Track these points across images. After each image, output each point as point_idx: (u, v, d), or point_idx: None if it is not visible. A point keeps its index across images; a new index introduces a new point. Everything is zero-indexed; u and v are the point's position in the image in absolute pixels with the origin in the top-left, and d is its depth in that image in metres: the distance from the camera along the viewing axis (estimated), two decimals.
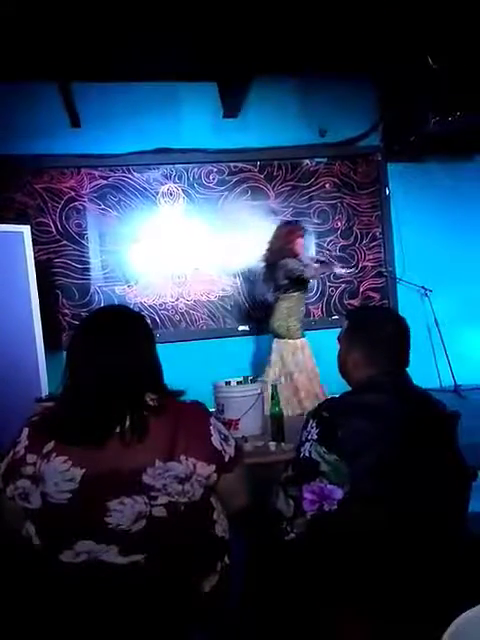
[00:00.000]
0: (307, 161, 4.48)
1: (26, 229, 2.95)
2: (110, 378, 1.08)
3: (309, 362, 3.52)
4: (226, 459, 1.13)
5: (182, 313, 4.32)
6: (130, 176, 4.23)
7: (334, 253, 4.56)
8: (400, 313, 4.44)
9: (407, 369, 1.27)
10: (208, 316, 4.36)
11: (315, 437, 1.11)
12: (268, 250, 3.72)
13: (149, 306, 4.23)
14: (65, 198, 4.13)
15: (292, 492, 1.13)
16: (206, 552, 1.12)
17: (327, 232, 4.55)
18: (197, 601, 1.09)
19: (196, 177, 4.32)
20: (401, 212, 4.59)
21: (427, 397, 1.25)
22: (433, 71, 3.54)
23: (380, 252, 4.65)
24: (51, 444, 1.05)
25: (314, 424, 1.14)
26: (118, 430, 1.05)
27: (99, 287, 4.19)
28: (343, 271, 4.08)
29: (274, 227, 3.91)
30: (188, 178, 4.30)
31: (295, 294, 3.56)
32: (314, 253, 4.51)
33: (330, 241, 4.56)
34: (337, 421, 1.11)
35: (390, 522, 1.09)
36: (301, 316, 3.61)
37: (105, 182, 4.19)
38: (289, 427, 1.96)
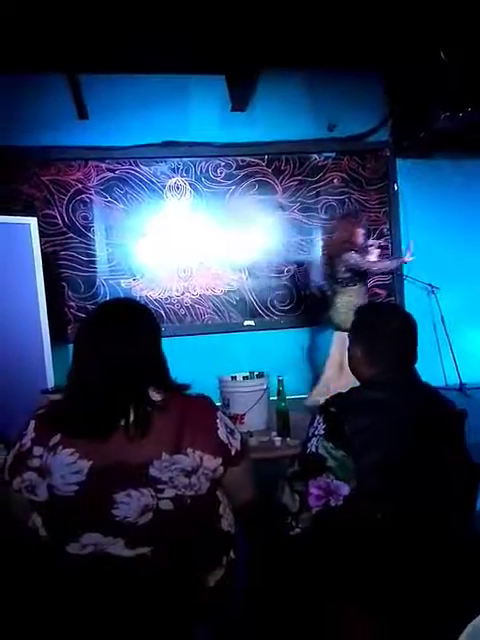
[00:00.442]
0: (315, 156, 4.45)
1: (33, 221, 2.95)
2: (115, 371, 1.07)
3: (345, 357, 3.49)
4: (232, 452, 1.13)
5: (187, 307, 4.31)
6: (137, 169, 4.21)
7: None
8: (406, 309, 4.41)
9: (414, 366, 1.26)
10: (213, 310, 4.35)
11: (322, 433, 1.11)
12: (329, 243, 3.71)
13: (154, 300, 4.22)
14: (72, 190, 4.13)
15: (298, 487, 1.12)
16: (212, 546, 1.12)
17: (334, 228, 4.50)
18: (202, 595, 1.09)
19: (203, 171, 4.29)
20: (409, 209, 4.55)
21: (435, 394, 1.24)
22: (444, 66, 3.49)
23: (387, 249, 4.62)
24: (57, 437, 1.05)
25: (321, 420, 1.13)
26: (123, 423, 1.05)
27: (105, 280, 4.19)
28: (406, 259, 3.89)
29: (278, 221, 3.89)
30: (195, 172, 4.28)
31: (356, 287, 3.53)
32: (320, 249, 4.49)
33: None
34: (344, 417, 1.11)
35: (396, 519, 1.08)
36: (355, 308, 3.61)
37: (112, 175, 4.18)
38: (295, 422, 1.95)
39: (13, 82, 3.80)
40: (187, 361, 3.78)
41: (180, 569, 1.06)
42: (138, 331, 1.13)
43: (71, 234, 4.14)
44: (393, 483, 1.09)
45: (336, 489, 1.08)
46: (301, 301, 4.48)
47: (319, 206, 4.48)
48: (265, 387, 2.09)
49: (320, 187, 4.47)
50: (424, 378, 4.14)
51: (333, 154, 4.47)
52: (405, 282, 4.59)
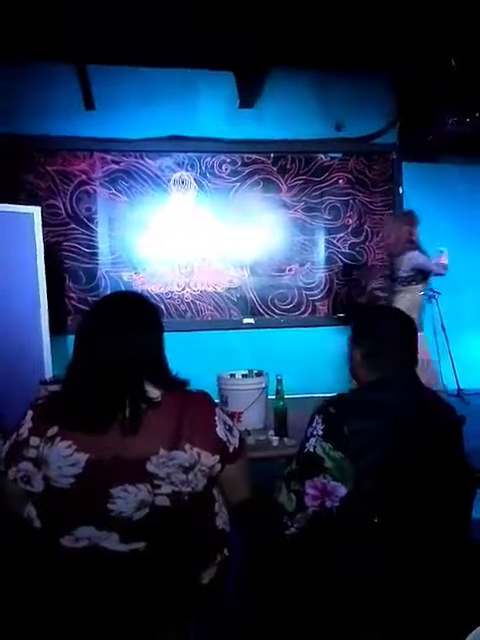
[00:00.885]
0: (321, 156, 4.43)
1: (36, 211, 2.93)
2: (113, 365, 1.07)
3: (425, 355, 3.49)
4: (230, 450, 1.13)
5: (188, 303, 4.30)
6: (142, 162, 4.19)
7: (343, 250, 4.52)
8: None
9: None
10: (214, 307, 4.34)
11: (321, 433, 1.11)
12: (390, 242, 3.64)
13: (155, 294, 4.21)
14: (76, 181, 4.11)
15: (295, 487, 1.12)
16: (206, 544, 1.12)
17: (337, 228, 4.51)
18: (195, 593, 1.08)
19: (209, 166, 4.28)
20: (415, 211, 4.53)
21: (436, 399, 1.24)
22: (453, 71, 3.48)
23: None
24: (55, 428, 1.04)
25: (320, 420, 1.13)
26: (120, 418, 1.04)
27: (106, 272, 4.18)
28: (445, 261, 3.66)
29: (282, 220, 3.86)
30: (200, 167, 4.26)
31: (418, 286, 3.50)
32: (323, 249, 4.49)
33: (340, 238, 4.52)
34: (344, 418, 1.11)
35: (391, 523, 1.08)
36: (422, 309, 3.57)
37: (117, 167, 4.16)
38: (293, 422, 1.95)
39: (20, 71, 3.77)
40: (187, 357, 3.76)
41: (174, 566, 1.06)
42: (138, 326, 1.13)
43: (74, 225, 4.12)
44: (390, 487, 1.09)
45: (333, 490, 1.07)
46: (303, 300, 4.48)
47: (323, 206, 4.47)
48: (264, 386, 2.08)
49: (325, 187, 4.46)
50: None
51: (339, 155, 4.45)
52: None
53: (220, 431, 1.12)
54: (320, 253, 4.51)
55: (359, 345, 1.23)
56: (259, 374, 2.13)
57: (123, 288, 4.04)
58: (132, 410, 1.05)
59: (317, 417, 1.15)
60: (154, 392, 1.08)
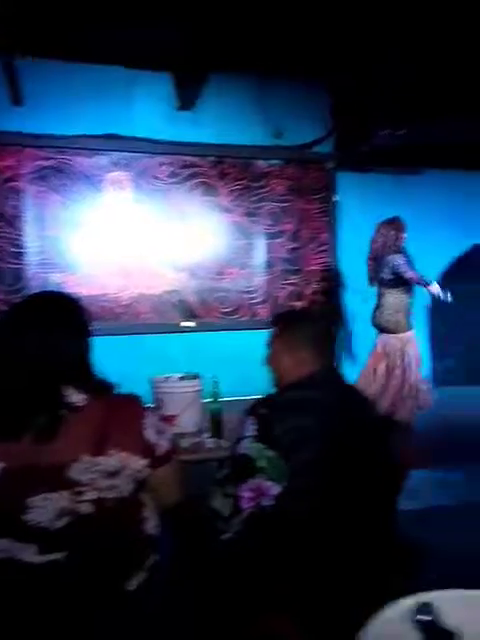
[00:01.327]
0: (260, 162, 4.50)
1: None
2: (28, 369, 1.03)
3: (416, 354, 3.54)
4: (160, 453, 1.11)
5: (124, 305, 4.18)
6: (75, 160, 4.03)
7: (282, 255, 4.61)
8: (343, 319, 4.51)
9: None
10: (152, 310, 4.25)
11: (253, 434, 1.12)
12: (376, 246, 3.67)
13: (89, 296, 4.05)
14: (2, 177, 3.87)
15: (229, 491, 1.12)
16: (133, 550, 1.09)
17: (276, 234, 4.59)
18: (120, 600, 1.04)
19: (146, 167, 4.20)
20: (348, 220, 4.73)
21: (359, 393, 1.29)
22: (384, 85, 3.67)
23: (327, 257, 4.76)
24: None
25: (252, 421, 1.14)
26: (36, 424, 1.01)
27: (35, 273, 3.96)
28: (435, 291, 3.55)
29: (222, 224, 3.87)
30: (137, 168, 4.17)
31: (401, 289, 3.55)
32: (263, 254, 4.55)
33: (279, 243, 4.61)
34: (274, 417, 1.12)
35: (325, 517, 1.09)
36: (409, 309, 3.60)
37: (48, 163, 3.97)
38: (229, 424, 1.94)
39: None
40: (122, 361, 3.69)
41: (96, 574, 1.02)
42: (57, 328, 1.09)
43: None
44: (323, 481, 1.10)
45: (267, 490, 1.08)
46: (242, 304, 4.51)
47: (263, 211, 4.53)
48: (199, 388, 2.07)
49: (264, 193, 4.53)
50: (357, 380, 4.23)
51: (278, 161, 4.55)
52: (342, 291, 4.75)
53: (149, 434, 1.10)
54: (259, 257, 4.57)
55: (284, 346, 1.26)
56: (194, 377, 2.11)
57: (53, 290, 3.85)
58: (48, 416, 1.01)
59: (248, 419, 1.15)
60: (76, 397, 1.05)
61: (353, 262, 4.73)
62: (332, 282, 4.72)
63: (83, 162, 4.05)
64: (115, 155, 4.11)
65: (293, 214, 4.62)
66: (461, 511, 2.22)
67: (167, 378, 2.10)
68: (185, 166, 4.30)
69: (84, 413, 1.03)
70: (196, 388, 2.05)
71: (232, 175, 4.43)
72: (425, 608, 0.54)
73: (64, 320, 1.11)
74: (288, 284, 4.64)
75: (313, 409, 1.14)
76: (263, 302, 4.58)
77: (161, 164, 4.23)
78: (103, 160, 4.09)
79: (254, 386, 3.69)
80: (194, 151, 4.28)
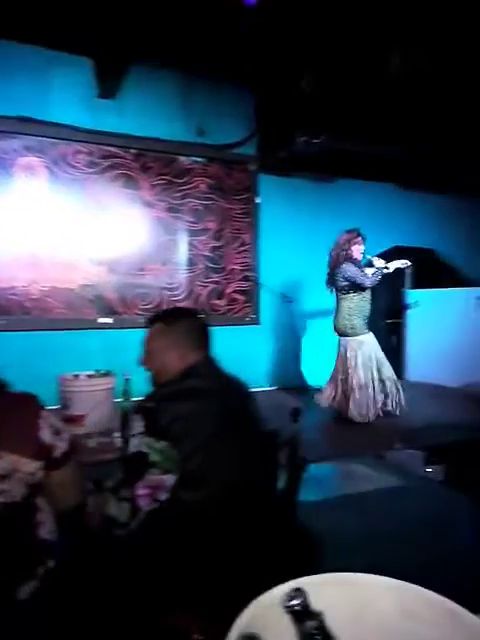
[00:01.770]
0: (183, 158, 4.47)
1: None
2: None
3: (374, 356, 3.71)
4: (57, 454, 1.08)
5: (35, 300, 3.93)
6: None
7: (205, 253, 4.62)
8: (262, 317, 4.64)
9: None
10: (66, 305, 4.05)
11: (142, 430, 1.12)
12: (333, 254, 3.87)
13: None
14: None
15: (124, 494, 1.10)
16: (25, 556, 1.04)
17: (199, 232, 4.59)
18: (10, 609, 0.99)
19: (62, 154, 3.99)
20: (269, 222, 4.86)
21: (236, 379, 1.35)
22: (304, 94, 3.81)
23: (248, 257, 4.85)
24: None
25: (139, 418, 1.15)
26: None
27: None
28: (401, 264, 3.88)
29: (143, 218, 3.79)
30: (52, 154, 3.95)
31: (356, 295, 3.75)
32: (185, 251, 4.53)
33: (201, 241, 4.61)
34: (160, 408, 1.15)
35: (217, 500, 1.12)
36: (365, 313, 3.79)
37: None
38: None
39: None
40: (32, 359, 3.49)
41: None
42: None
43: None
44: (214, 464, 1.14)
45: (162, 482, 1.09)
46: (164, 301, 4.45)
47: (185, 208, 4.51)
48: (110, 386, 2.01)
49: (187, 190, 4.51)
50: (273, 379, 4.42)
51: (201, 159, 4.55)
52: (262, 290, 4.87)
53: (45, 434, 1.06)
54: (182, 254, 4.54)
55: (165, 342, 1.30)
56: (105, 375, 2.05)
57: None
58: None
59: (135, 417, 1.16)
60: None
61: (274, 263, 4.88)
62: (252, 282, 4.81)
63: None
64: (29, 139, 3.85)
65: (216, 213, 4.65)
66: (356, 501, 2.38)
67: (76, 376, 2.02)
68: (105, 156, 4.15)
69: None
70: (107, 386, 2.00)
71: (155, 169, 4.36)
72: (295, 593, 0.57)
73: None
74: (210, 282, 4.67)
75: (196, 396, 1.19)
76: (185, 299, 4.56)
77: (78, 152, 4.04)
78: (14, 143, 3.82)
79: None
80: (115, 141, 4.15)
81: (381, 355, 3.76)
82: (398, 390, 3.70)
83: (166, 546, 1.10)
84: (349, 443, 3.27)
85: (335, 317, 3.87)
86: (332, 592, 0.60)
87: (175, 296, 4.52)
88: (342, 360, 3.77)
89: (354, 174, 5.04)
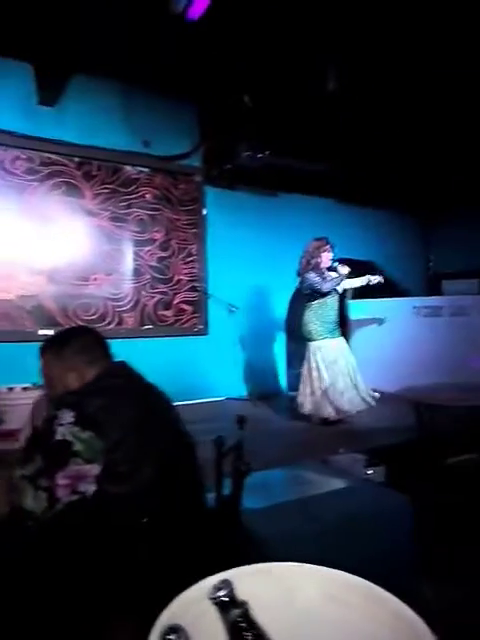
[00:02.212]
0: (129, 168, 4.44)
1: None
2: None
3: (340, 358, 3.85)
4: None
5: None
6: None
7: (151, 263, 4.59)
8: (210, 326, 4.65)
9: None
10: (2, 316, 3.87)
11: (71, 420, 1.12)
12: (301, 263, 3.96)
13: None
14: None
15: (44, 483, 1.08)
16: None
17: (145, 242, 4.56)
18: None
19: (0, 161, 3.84)
20: (215, 233, 4.91)
21: (148, 381, 1.39)
22: (247, 108, 3.91)
23: (195, 268, 4.86)
24: None
25: (66, 410, 1.15)
26: None
27: None
28: (375, 280, 4.08)
29: (86, 227, 3.74)
30: None
31: (317, 302, 3.89)
32: (131, 261, 4.48)
33: (148, 251, 4.58)
34: (85, 401, 1.16)
35: (142, 495, 1.12)
36: (327, 320, 3.92)
37: None
38: None
39: None
40: None
41: None
42: None
43: None
44: (139, 457, 1.15)
45: (84, 473, 1.08)
46: (108, 311, 4.36)
47: (131, 218, 4.47)
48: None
49: (133, 199, 4.48)
50: (221, 390, 4.42)
51: (147, 169, 4.53)
52: (209, 301, 4.89)
53: None
54: (127, 264, 4.48)
55: (67, 360, 1.32)
56: (40, 387, 1.97)
57: None
58: None
59: (61, 410, 1.15)
60: None
61: (220, 274, 4.93)
62: (199, 293, 4.83)
63: None
64: None
65: (162, 223, 4.64)
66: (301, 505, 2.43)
67: (10, 388, 1.93)
68: (45, 163, 4.04)
69: None
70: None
71: (99, 178, 4.29)
72: (222, 585, 0.58)
73: None
74: (157, 292, 4.63)
75: (118, 392, 1.23)
76: (131, 310, 4.49)
77: (17, 158, 3.91)
78: None
79: None
80: (57, 149, 4.05)
81: (345, 361, 3.91)
82: (359, 391, 3.85)
83: (85, 541, 1.08)
84: (295, 449, 3.32)
85: (299, 323, 4.03)
86: (258, 582, 0.62)
87: (121, 306, 4.44)
88: (306, 364, 3.93)
89: (296, 189, 5.22)
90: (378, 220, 5.92)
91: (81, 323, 4.20)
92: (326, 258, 3.93)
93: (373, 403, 3.86)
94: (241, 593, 0.59)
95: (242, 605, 0.57)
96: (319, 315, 3.91)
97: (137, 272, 4.52)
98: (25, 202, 3.94)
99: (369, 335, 5.19)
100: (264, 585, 0.62)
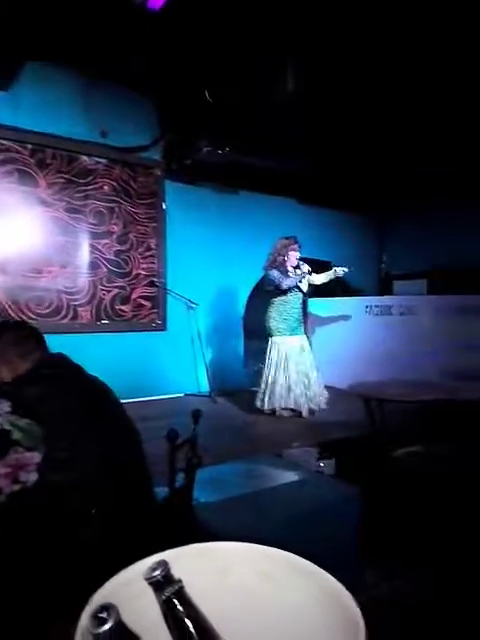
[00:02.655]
0: (85, 158, 4.33)
1: None
2: None
3: (298, 356, 3.93)
4: None
5: None
6: None
7: (108, 256, 4.50)
8: (168, 322, 4.63)
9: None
10: None
11: (8, 409, 1.10)
12: (267, 260, 4.03)
13: None
14: None
15: None
16: None
17: (102, 234, 4.46)
18: None
19: None
20: (175, 228, 4.87)
21: (88, 373, 1.38)
22: (209, 105, 3.90)
23: (154, 262, 4.81)
24: None
25: (3, 400, 1.12)
26: None
27: None
28: (341, 271, 4.24)
29: (40, 217, 3.63)
30: None
31: (279, 299, 3.98)
32: (87, 253, 4.38)
33: (105, 244, 4.48)
34: (20, 391, 1.15)
35: (86, 481, 1.11)
36: (287, 317, 3.99)
37: None
38: None
39: None
40: None
41: None
42: None
43: None
44: (80, 445, 1.14)
45: (26, 461, 1.07)
46: (63, 305, 4.24)
47: (87, 210, 4.36)
48: None
49: (90, 190, 4.37)
50: (181, 385, 4.42)
51: (105, 160, 4.43)
52: (168, 296, 4.85)
53: None
54: (84, 257, 4.37)
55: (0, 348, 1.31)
56: None
57: None
58: None
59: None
60: None
61: (179, 269, 4.90)
62: (158, 288, 4.78)
63: None
64: None
65: (120, 216, 4.56)
66: (255, 499, 2.47)
67: None
68: None
69: None
70: None
71: (53, 166, 4.16)
72: (157, 565, 0.59)
73: None
74: (114, 286, 4.55)
75: (55, 380, 1.22)
76: (87, 303, 4.39)
77: None
78: None
79: None
80: (8, 135, 3.89)
81: (301, 359, 3.99)
82: (310, 390, 3.96)
83: (28, 533, 1.06)
84: (251, 443, 3.37)
85: (265, 319, 4.12)
86: (194, 561, 0.63)
87: (76, 300, 4.33)
88: (273, 359, 4.02)
89: (258, 187, 5.26)
90: (336, 220, 6.07)
91: (33, 316, 4.08)
92: (293, 257, 4.03)
93: (322, 406, 3.98)
94: (177, 573, 0.61)
95: (176, 583, 0.58)
96: (280, 312, 4.00)
97: (93, 265, 4.42)
98: None
99: (325, 333, 5.32)
100: (200, 564, 0.63)
